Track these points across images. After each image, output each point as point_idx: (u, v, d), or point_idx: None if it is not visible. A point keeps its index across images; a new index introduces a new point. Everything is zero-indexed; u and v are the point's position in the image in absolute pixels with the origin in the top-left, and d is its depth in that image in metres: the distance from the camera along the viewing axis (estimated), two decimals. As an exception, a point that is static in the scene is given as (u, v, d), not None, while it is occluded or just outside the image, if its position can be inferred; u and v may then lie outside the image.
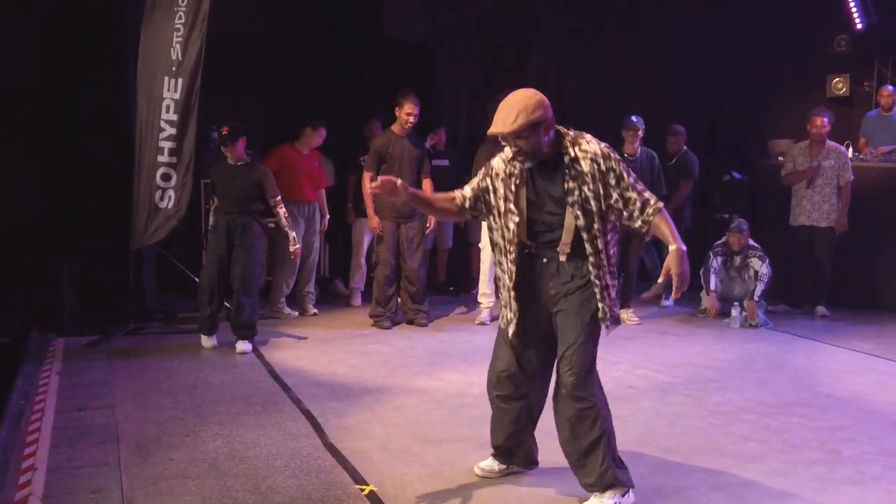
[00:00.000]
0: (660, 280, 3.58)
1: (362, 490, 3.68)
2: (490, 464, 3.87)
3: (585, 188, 3.39)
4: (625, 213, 3.45)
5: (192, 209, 7.11)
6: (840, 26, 9.67)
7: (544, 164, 3.46)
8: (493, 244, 3.64)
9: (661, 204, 3.47)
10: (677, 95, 9.56)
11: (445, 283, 8.83)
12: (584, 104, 9.47)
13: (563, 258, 3.48)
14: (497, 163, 3.58)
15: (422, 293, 7.23)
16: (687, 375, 5.68)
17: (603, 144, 3.48)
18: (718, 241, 7.77)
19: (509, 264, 3.54)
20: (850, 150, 8.61)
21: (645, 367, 5.90)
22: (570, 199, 3.41)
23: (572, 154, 3.42)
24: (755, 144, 9.53)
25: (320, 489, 3.68)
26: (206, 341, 6.30)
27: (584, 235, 3.41)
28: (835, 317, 7.77)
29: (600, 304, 3.46)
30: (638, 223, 3.45)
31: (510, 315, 3.60)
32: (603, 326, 3.51)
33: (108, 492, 3.61)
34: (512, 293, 3.57)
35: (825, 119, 7.67)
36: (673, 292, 3.48)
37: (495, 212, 3.57)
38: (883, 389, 5.48)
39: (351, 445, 4.23)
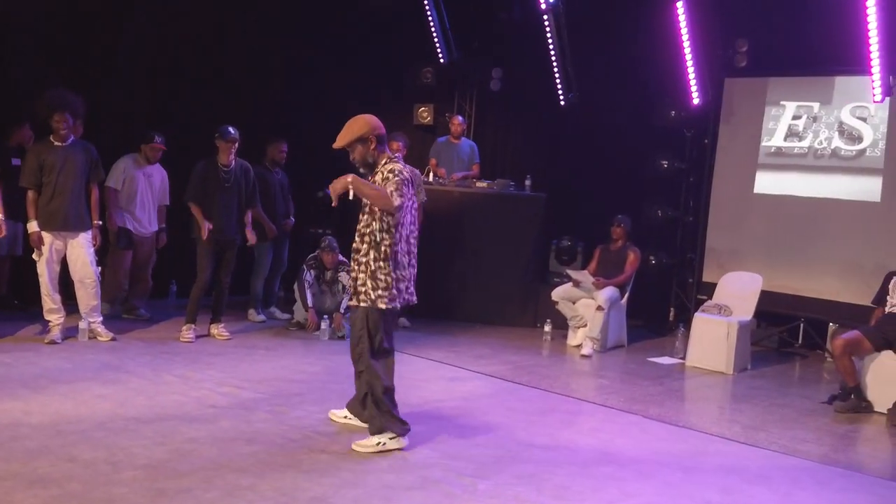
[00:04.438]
0: None
1: None
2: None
3: None
4: None
5: None
6: (427, 60, 10.51)
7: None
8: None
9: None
10: (274, 110, 9.61)
11: (9, 295, 7.80)
12: (171, 105, 8.96)
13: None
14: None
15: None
16: (272, 390, 5.65)
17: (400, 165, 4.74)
18: (311, 255, 7.90)
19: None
20: (432, 174, 9.35)
21: (230, 384, 5.75)
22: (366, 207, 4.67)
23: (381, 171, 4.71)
24: (348, 165, 9.88)
25: None
26: None
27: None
28: (414, 327, 8.33)
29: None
30: None
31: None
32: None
33: None
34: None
35: (400, 143, 8.24)
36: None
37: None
38: (450, 394, 5.96)
39: None
